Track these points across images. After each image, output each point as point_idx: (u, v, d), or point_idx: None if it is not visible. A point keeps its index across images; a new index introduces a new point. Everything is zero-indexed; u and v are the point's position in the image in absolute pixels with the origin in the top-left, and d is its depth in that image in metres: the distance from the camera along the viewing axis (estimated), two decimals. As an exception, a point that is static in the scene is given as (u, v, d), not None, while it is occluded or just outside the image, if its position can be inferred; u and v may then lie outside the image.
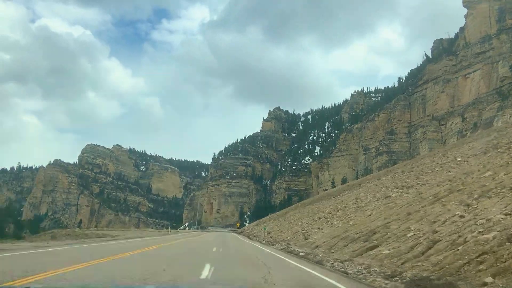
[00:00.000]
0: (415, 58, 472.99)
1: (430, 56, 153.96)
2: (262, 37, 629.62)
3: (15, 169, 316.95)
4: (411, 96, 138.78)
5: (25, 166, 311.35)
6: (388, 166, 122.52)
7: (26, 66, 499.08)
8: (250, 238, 48.58)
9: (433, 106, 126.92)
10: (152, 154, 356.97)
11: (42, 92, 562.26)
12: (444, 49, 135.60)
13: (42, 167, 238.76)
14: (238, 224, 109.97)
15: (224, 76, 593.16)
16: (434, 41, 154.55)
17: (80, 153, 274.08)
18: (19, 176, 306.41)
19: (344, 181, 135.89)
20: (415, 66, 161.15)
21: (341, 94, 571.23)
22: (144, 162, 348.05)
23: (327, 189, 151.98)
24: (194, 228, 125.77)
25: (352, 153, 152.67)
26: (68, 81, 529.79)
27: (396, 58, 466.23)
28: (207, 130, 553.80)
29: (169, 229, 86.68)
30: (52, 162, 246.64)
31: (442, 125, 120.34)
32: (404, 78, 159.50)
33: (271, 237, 38.96)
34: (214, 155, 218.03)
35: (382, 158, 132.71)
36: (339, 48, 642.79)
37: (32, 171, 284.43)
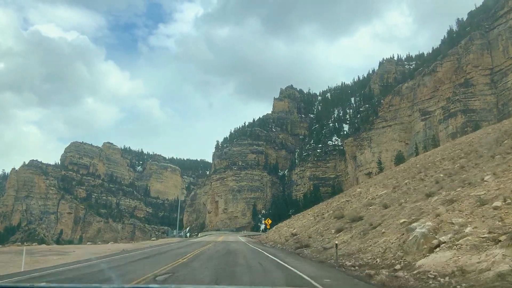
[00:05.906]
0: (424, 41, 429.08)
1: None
2: (261, 28, 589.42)
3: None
4: (488, 33, 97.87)
5: (8, 172, 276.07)
6: (467, 132, 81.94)
7: (21, 74, 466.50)
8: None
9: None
10: (150, 153, 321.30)
11: (38, 100, 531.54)
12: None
13: (14, 169, 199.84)
14: (269, 222, 63.50)
15: (223, 73, 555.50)
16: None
17: (63, 152, 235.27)
18: (2, 184, 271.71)
19: (399, 158, 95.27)
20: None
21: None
22: (141, 162, 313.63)
23: (370, 172, 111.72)
24: (173, 235, 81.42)
25: (403, 122, 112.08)
26: (65, 87, 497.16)
27: (407, 43, 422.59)
28: (209, 130, 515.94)
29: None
30: (26, 163, 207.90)
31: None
32: (464, 19, 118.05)
33: None
34: (218, 143, 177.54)
35: (456, 121, 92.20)
36: (343, 37, 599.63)
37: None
